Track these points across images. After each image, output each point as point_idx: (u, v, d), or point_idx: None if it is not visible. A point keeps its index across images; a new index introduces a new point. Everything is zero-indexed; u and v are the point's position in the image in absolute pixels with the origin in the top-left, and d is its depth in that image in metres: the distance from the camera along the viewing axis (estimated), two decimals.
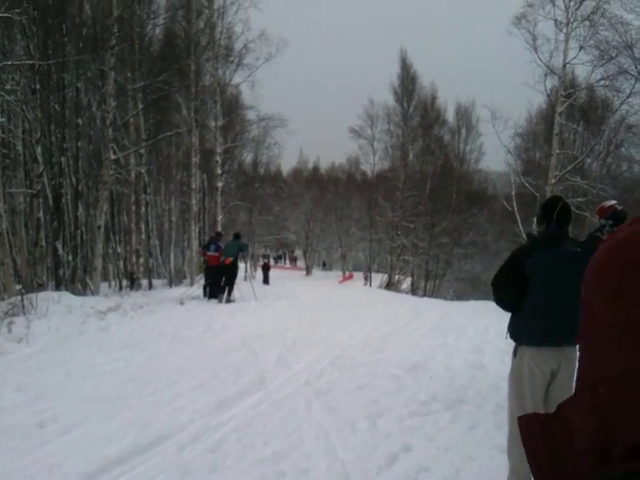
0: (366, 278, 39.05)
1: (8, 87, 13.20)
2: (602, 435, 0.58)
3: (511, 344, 3.65)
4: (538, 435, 0.69)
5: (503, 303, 3.63)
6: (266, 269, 31.61)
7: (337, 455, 4.23)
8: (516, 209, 22.36)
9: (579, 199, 21.26)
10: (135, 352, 7.92)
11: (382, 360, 7.53)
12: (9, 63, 12.74)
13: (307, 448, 4.37)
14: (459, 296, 32.01)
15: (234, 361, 7.35)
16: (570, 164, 21.84)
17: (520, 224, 21.94)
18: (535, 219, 3.85)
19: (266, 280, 28.80)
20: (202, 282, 16.67)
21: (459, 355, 7.92)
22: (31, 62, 13.40)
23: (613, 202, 5.59)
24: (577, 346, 3.35)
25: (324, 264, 57.67)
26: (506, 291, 3.56)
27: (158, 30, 22.61)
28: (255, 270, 35.29)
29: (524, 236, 15.15)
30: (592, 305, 0.62)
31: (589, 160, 25.43)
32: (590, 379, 0.62)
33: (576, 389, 0.66)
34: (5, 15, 11.76)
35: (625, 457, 0.55)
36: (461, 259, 39.44)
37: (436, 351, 8.21)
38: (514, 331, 3.57)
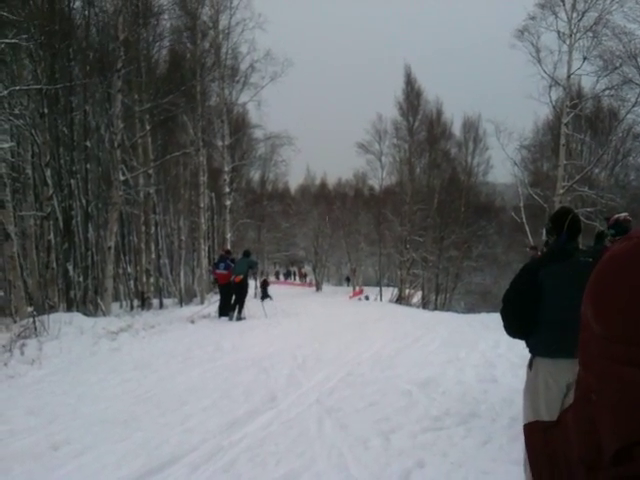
0: (359, 298, 37.64)
1: (17, 111, 13.34)
2: (592, 443, 0.60)
3: (523, 357, 3.63)
4: (539, 443, 0.71)
5: (513, 321, 3.58)
6: (265, 285, 31.30)
7: (350, 473, 4.21)
8: (525, 220, 22.33)
9: (588, 209, 21.23)
10: (146, 373, 7.93)
11: (393, 376, 7.49)
12: (17, 88, 12.89)
13: (319, 467, 4.35)
14: (470, 309, 31.86)
15: (245, 380, 7.34)
16: (578, 174, 21.83)
17: (529, 235, 21.90)
18: (544, 231, 3.83)
19: (264, 297, 28.24)
20: (215, 300, 16.72)
21: (471, 369, 7.87)
22: (39, 87, 13.56)
23: (624, 214, 5.57)
24: None
25: (348, 279, 55.27)
26: (519, 307, 3.52)
27: (164, 52, 22.85)
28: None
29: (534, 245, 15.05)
30: (586, 317, 0.64)
31: (597, 170, 25.42)
32: (584, 387, 0.64)
33: (574, 398, 0.68)
34: (13, 41, 11.93)
35: (610, 464, 0.57)
36: (471, 272, 39.30)
37: (447, 366, 8.16)
38: (530, 343, 3.55)
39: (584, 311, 0.65)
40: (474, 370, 7.81)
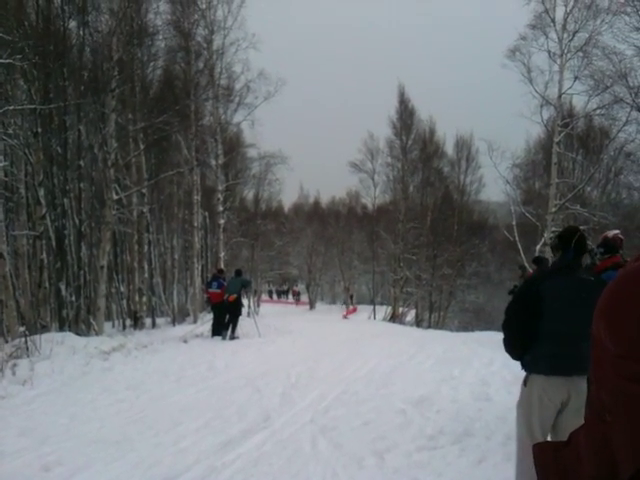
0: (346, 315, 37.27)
1: (10, 131, 13.35)
2: (605, 462, 0.59)
3: (516, 375, 3.65)
4: (550, 462, 0.70)
5: (514, 333, 3.61)
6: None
7: None
8: (517, 239, 22.37)
9: (580, 227, 21.31)
10: (139, 393, 7.88)
11: (387, 395, 7.47)
12: (11, 108, 12.91)
13: None
14: (464, 327, 31.83)
15: (238, 400, 7.31)
16: (570, 193, 21.98)
17: (522, 253, 21.93)
18: (550, 247, 3.91)
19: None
20: (208, 319, 16.66)
21: (465, 387, 7.85)
22: (33, 106, 13.59)
23: (616, 231, 5.59)
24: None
25: (352, 297, 51.38)
26: (522, 318, 3.54)
27: (158, 72, 22.96)
28: (258, 306, 35.10)
29: (526, 265, 15.03)
30: (599, 335, 0.64)
31: (589, 188, 25.60)
32: (597, 406, 0.63)
33: (585, 417, 0.68)
34: (7, 61, 11.98)
35: None
36: (464, 290, 39.29)
37: (442, 384, 8.14)
38: (525, 360, 3.58)
39: (596, 329, 0.65)
40: (468, 388, 7.79)
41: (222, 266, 21.87)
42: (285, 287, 66.57)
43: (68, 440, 5.59)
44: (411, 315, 37.45)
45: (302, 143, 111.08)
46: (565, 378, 3.39)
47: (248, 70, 24.17)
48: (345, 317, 35.07)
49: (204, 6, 22.72)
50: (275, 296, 62.68)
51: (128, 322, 19.78)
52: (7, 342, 11.81)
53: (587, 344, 2.67)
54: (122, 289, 21.38)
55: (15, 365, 9.09)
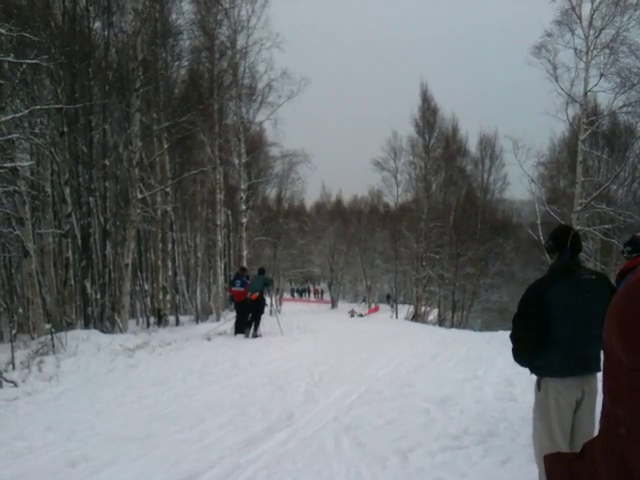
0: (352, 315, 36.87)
1: (37, 130, 13.54)
2: (623, 476, 0.56)
3: None
4: (563, 475, 0.68)
5: (524, 344, 3.56)
6: None
7: None
8: (542, 238, 22.13)
9: (606, 226, 21.07)
10: (163, 389, 7.94)
11: (411, 394, 7.42)
12: (38, 107, 13.09)
13: None
14: (487, 327, 31.57)
15: (262, 397, 7.32)
16: (595, 191, 21.68)
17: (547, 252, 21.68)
18: (545, 249, 3.84)
19: None
20: (231, 317, 16.72)
21: (489, 387, 7.77)
22: (59, 106, 13.75)
23: None
24: (599, 374, 3.36)
25: (389, 297, 50.70)
26: (530, 329, 3.49)
27: (182, 71, 23.11)
28: (280, 304, 35.15)
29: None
30: (611, 346, 0.61)
31: (614, 187, 25.22)
32: (611, 419, 0.61)
33: (600, 429, 0.66)
34: (34, 61, 12.13)
35: None
36: (488, 289, 39.02)
37: (465, 384, 8.06)
38: (537, 364, 3.54)
39: (608, 339, 0.63)
40: (492, 388, 7.71)
41: (245, 264, 21.97)
42: (305, 286, 66.78)
43: (93, 436, 5.65)
44: (433, 314, 37.32)
45: (324, 142, 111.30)
46: (577, 378, 3.40)
47: (271, 69, 24.23)
48: (360, 315, 34.90)
49: (227, 5, 22.78)
50: (297, 295, 62.86)
51: (152, 320, 19.97)
52: (33, 339, 11.99)
53: (597, 344, 2.62)
54: (146, 287, 21.60)
55: (41, 362, 9.22)
